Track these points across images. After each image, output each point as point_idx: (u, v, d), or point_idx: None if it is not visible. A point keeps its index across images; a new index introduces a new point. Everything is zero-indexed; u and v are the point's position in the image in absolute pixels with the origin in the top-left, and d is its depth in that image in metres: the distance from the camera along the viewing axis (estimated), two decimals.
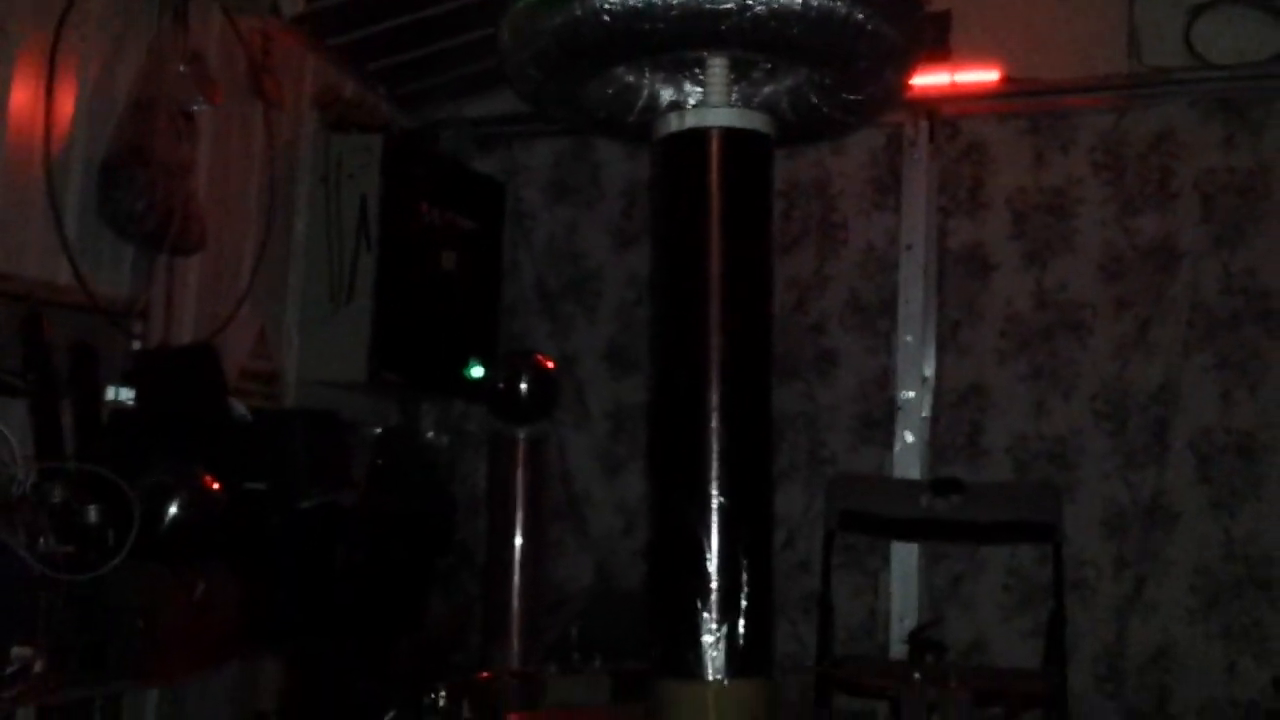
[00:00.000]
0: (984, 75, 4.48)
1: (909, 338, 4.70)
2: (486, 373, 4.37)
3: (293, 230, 4.29)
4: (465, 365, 4.58)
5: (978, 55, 4.51)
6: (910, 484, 4.48)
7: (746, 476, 2.74)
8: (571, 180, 5.12)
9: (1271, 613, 4.25)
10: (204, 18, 3.76)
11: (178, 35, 3.61)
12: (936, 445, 4.66)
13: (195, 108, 3.64)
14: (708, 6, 2.42)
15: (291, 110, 4.25)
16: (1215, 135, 4.42)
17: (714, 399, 2.69)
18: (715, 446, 2.70)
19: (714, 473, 2.69)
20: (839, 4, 2.43)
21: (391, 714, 2.13)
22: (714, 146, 2.70)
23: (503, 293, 5.02)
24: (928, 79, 4.39)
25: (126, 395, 3.36)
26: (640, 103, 2.88)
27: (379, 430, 4.37)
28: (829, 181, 4.84)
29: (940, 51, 4.43)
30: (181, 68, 3.59)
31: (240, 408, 3.43)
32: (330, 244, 4.26)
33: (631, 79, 2.82)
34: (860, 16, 2.47)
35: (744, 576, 2.51)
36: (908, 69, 2.79)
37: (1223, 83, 4.37)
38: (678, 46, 2.61)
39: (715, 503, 2.66)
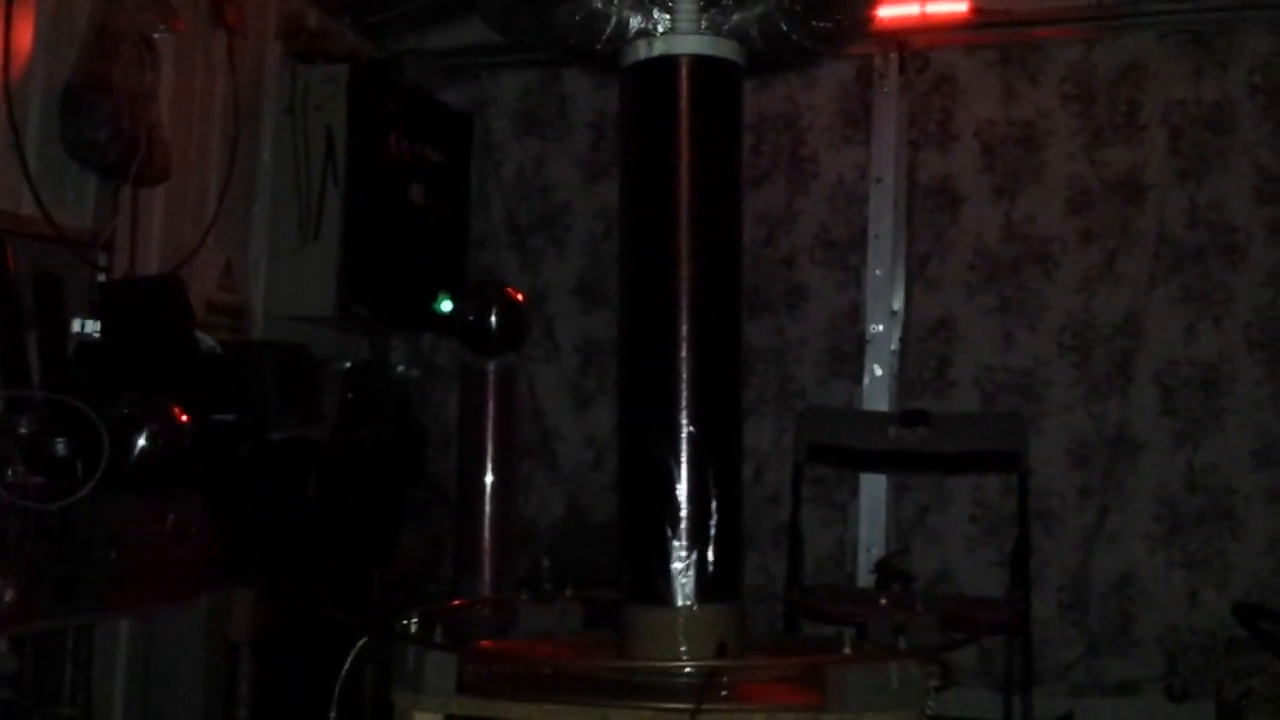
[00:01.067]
0: (954, 6, 4.46)
1: (878, 272, 4.72)
2: (456, 306, 4.36)
3: (258, 162, 4.25)
4: (434, 299, 4.57)
5: None
6: (877, 416, 4.52)
7: (716, 406, 2.73)
8: (540, 113, 5.08)
9: (1232, 542, 4.33)
10: None
11: None
12: (905, 378, 4.70)
13: (156, 35, 3.59)
14: None
15: (255, 39, 4.19)
16: (1183, 67, 4.43)
17: (683, 329, 2.67)
18: (685, 376, 2.69)
19: (684, 402, 2.68)
20: None
21: (363, 641, 2.14)
22: (683, 74, 2.67)
23: (471, 226, 5.00)
24: (897, 10, 4.38)
25: (93, 327, 3.33)
26: (609, 30, 2.83)
27: (348, 364, 4.36)
28: (798, 115, 4.82)
29: None
30: None
31: (208, 340, 3.41)
32: (297, 176, 4.22)
33: (599, 4, 2.78)
34: None
35: (713, 504, 2.52)
36: None
37: (1191, 14, 4.37)
38: None
39: (685, 432, 2.66)
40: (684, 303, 2.63)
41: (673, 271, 2.62)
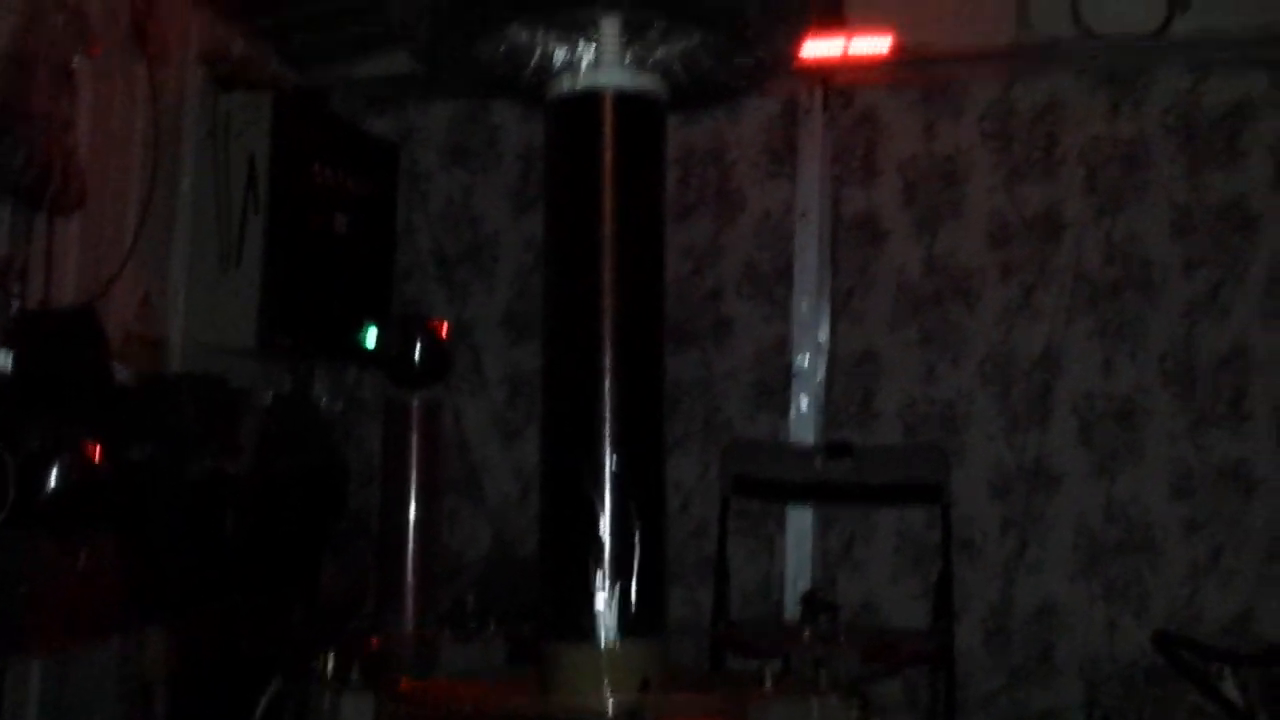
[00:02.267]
0: (876, 44, 4.52)
1: (804, 304, 4.76)
2: (380, 338, 4.32)
3: (178, 190, 4.17)
4: (359, 330, 4.52)
5: (870, 23, 4.54)
6: (802, 448, 4.55)
7: (639, 441, 2.74)
8: (468, 143, 5.06)
9: (1150, 573, 4.39)
10: None
11: None
12: (831, 410, 4.73)
13: (75, 60, 3.53)
14: None
15: (176, 66, 4.14)
16: (1100, 105, 4.52)
17: (606, 362, 2.68)
18: (608, 411, 2.69)
19: (607, 437, 2.69)
20: None
21: (276, 681, 2.11)
22: (607, 108, 2.68)
23: (398, 257, 4.96)
24: (821, 48, 4.42)
25: (4, 359, 3.25)
26: (534, 62, 2.84)
27: (270, 395, 4.30)
28: (724, 149, 4.85)
29: (834, 19, 4.45)
30: (60, 20, 3.48)
31: (124, 372, 3.34)
32: (218, 204, 4.16)
33: (524, 37, 2.79)
34: None
35: (636, 539, 2.52)
36: (800, 32, 2.80)
37: (1109, 53, 4.47)
38: (570, 3, 2.59)
39: (608, 467, 2.66)
40: (607, 338, 2.63)
41: (595, 306, 2.62)
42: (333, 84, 4.85)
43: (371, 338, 4.46)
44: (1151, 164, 4.46)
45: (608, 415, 2.66)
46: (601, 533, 2.56)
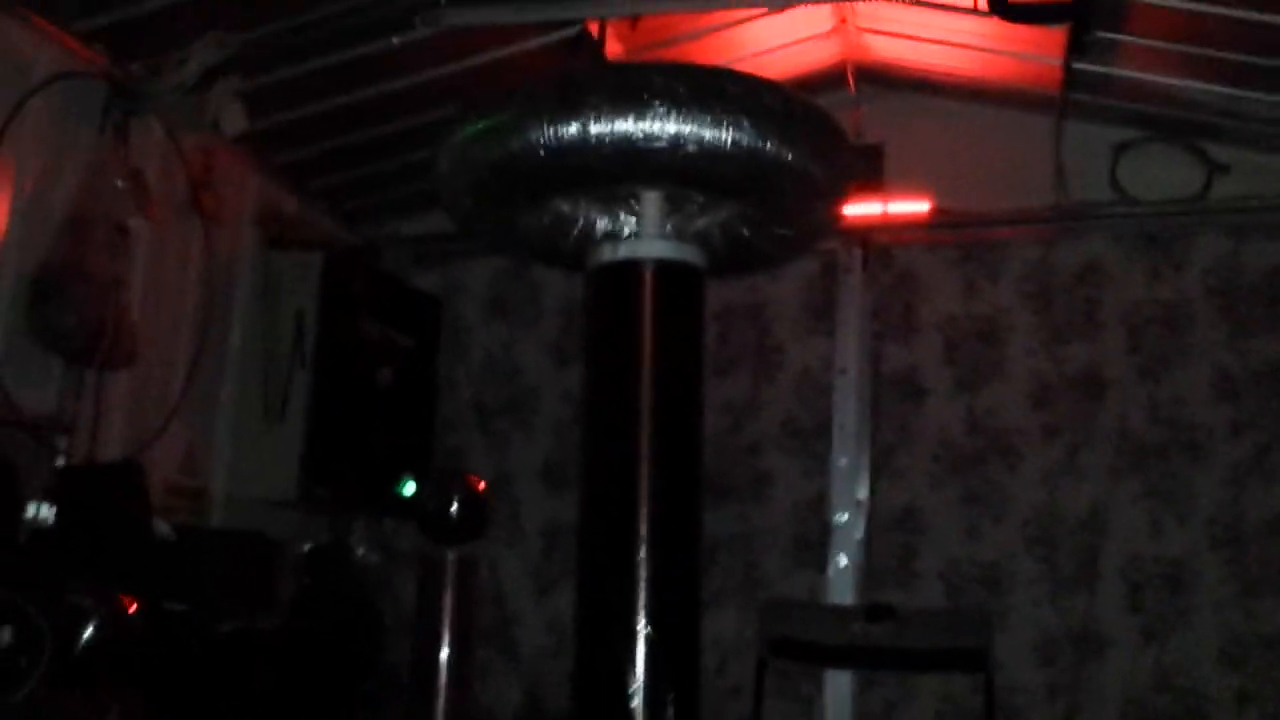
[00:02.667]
0: (915, 206, 4.59)
1: (844, 461, 4.72)
2: (419, 490, 4.33)
3: (228, 345, 4.26)
4: (398, 482, 4.54)
5: (910, 186, 4.62)
6: (842, 610, 4.46)
7: (674, 607, 2.72)
8: (510, 298, 5.14)
9: None
10: (145, 133, 3.79)
11: (118, 150, 3.64)
12: (870, 569, 4.66)
13: (132, 223, 3.64)
14: (640, 145, 2.46)
15: (231, 226, 4.26)
16: (1140, 268, 4.53)
17: (643, 529, 2.68)
18: (643, 576, 2.68)
19: (641, 602, 2.67)
20: (767, 144, 2.48)
21: None
22: (647, 278, 2.74)
23: (439, 409, 5.00)
24: (861, 209, 4.50)
25: (48, 512, 3.28)
26: (576, 231, 2.92)
27: (308, 547, 4.31)
28: (764, 306, 4.89)
29: (874, 183, 4.54)
30: (120, 183, 3.61)
31: (164, 527, 3.37)
32: (265, 359, 4.24)
33: (567, 208, 2.86)
34: (788, 156, 2.53)
35: (669, 711, 2.47)
36: (836, 205, 2.85)
37: (1147, 218, 4.50)
38: (612, 181, 2.66)
39: (641, 633, 2.63)
40: (643, 505, 2.64)
41: (633, 473, 2.63)
42: (381, 241, 4.97)
43: (409, 488, 4.48)
44: (1194, 326, 4.44)
45: (642, 582, 2.65)
46: (632, 704, 2.53)
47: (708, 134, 2.45)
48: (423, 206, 4.88)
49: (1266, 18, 3.49)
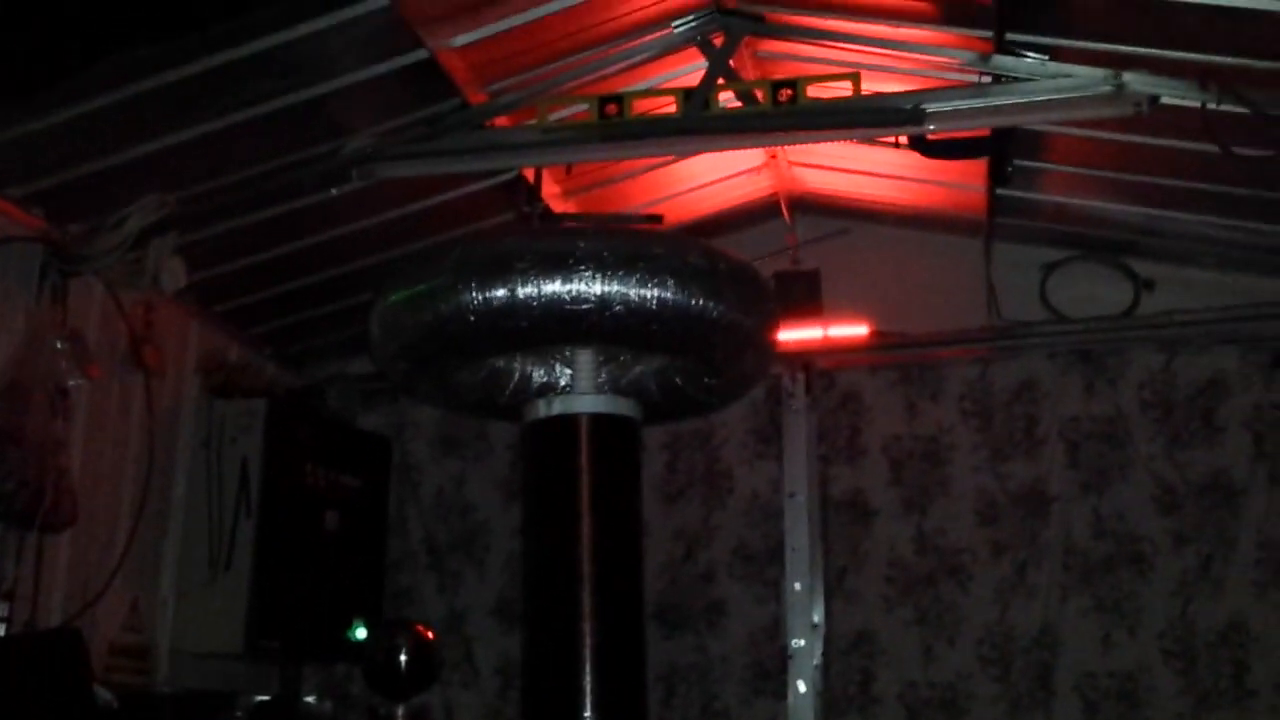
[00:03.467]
0: (854, 330, 4.66)
1: (797, 585, 4.72)
2: (370, 634, 4.29)
3: (171, 497, 4.23)
4: (348, 627, 4.50)
5: (848, 310, 4.69)
6: None
7: None
8: (459, 434, 5.14)
9: None
10: (85, 292, 3.80)
11: (56, 311, 3.64)
12: (829, 695, 4.64)
13: (72, 383, 3.63)
14: (569, 307, 2.51)
15: (174, 377, 4.26)
16: (1075, 384, 4.61)
17: (587, 683, 2.66)
18: None
19: None
20: (692, 300, 2.54)
21: None
22: (583, 432, 2.76)
23: (388, 549, 4.97)
24: (802, 333, 4.56)
25: None
26: (511, 385, 2.95)
27: (257, 701, 4.23)
28: (712, 432, 4.92)
29: (813, 308, 4.61)
30: (59, 344, 3.60)
31: (105, 694, 3.31)
32: (210, 510, 4.21)
33: (501, 364, 2.90)
34: (714, 311, 2.58)
35: None
36: (766, 352, 2.90)
37: (1078, 335, 4.59)
38: (542, 341, 2.70)
39: None
40: (587, 660, 2.64)
41: (575, 633, 2.63)
42: (327, 382, 4.98)
43: (360, 633, 4.44)
44: (1131, 440, 4.51)
45: None
46: None
47: (634, 294, 2.51)
48: (368, 347, 4.89)
49: (1175, 143, 3.62)
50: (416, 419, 5.16)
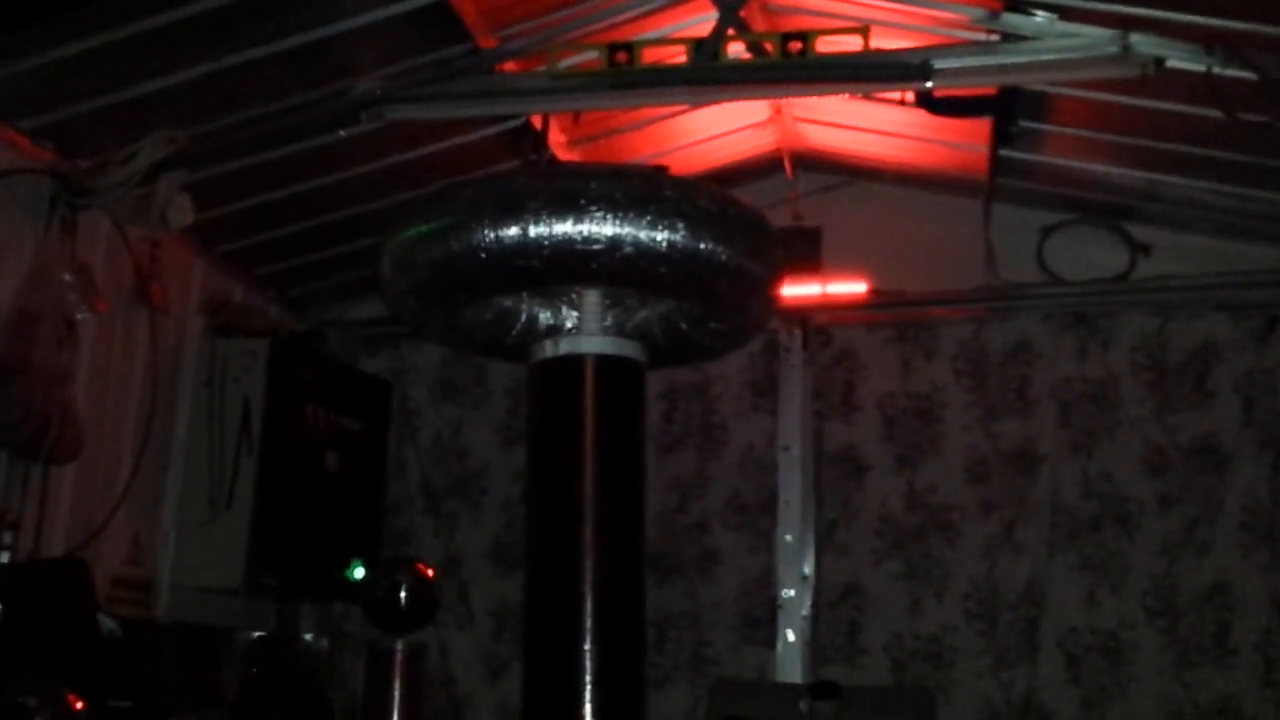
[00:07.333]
0: (853, 287, 4.70)
1: (789, 537, 4.79)
2: (368, 574, 4.34)
3: (174, 434, 4.27)
4: (347, 566, 4.55)
5: (847, 268, 4.73)
6: (789, 688, 4.51)
7: (619, 692, 2.76)
8: (458, 379, 5.18)
9: None
10: (92, 227, 3.82)
11: (65, 245, 3.67)
12: (817, 644, 4.71)
13: (79, 316, 3.67)
14: (579, 247, 2.55)
15: (178, 315, 4.29)
16: (1069, 346, 4.67)
17: (587, 618, 2.72)
18: (588, 664, 2.72)
19: (587, 688, 2.71)
20: (701, 244, 2.58)
21: None
22: (588, 372, 2.81)
23: (387, 491, 5.02)
24: (800, 290, 4.60)
25: None
26: (518, 325, 2.99)
27: (255, 636, 4.29)
28: (709, 385, 4.97)
29: (812, 265, 4.65)
30: (67, 277, 3.63)
31: (109, 623, 3.36)
32: (212, 448, 4.25)
33: (509, 304, 2.94)
34: (722, 255, 2.62)
35: None
36: (770, 300, 2.95)
37: (1074, 298, 4.64)
38: (551, 281, 2.74)
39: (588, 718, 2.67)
40: (588, 596, 2.69)
41: (577, 566, 2.68)
42: (329, 326, 5.01)
43: (359, 572, 4.49)
44: (1122, 403, 4.57)
45: (587, 666, 2.70)
46: None
47: (644, 235, 2.55)
48: (370, 291, 4.88)
49: (1179, 107, 3.66)
50: (417, 364, 5.20)
